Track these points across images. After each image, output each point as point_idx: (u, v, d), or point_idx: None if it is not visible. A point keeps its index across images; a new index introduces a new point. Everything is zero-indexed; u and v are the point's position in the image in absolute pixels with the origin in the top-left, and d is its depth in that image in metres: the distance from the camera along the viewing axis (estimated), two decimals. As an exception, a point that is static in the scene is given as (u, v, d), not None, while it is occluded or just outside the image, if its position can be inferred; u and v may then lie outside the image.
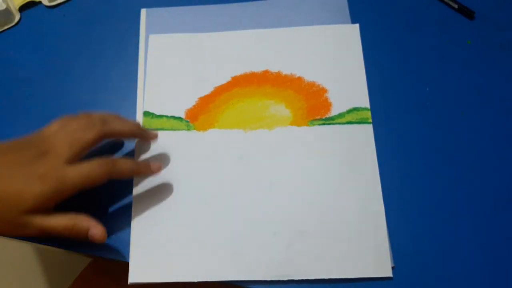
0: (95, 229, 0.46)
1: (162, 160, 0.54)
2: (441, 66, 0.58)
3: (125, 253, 0.50)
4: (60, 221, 0.45)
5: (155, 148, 0.55)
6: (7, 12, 0.63)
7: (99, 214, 0.52)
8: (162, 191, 0.53)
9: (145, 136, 0.54)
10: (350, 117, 0.55)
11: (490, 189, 0.51)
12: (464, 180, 0.52)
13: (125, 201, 0.53)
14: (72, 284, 0.70)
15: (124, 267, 0.50)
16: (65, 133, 0.47)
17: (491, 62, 0.58)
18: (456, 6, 0.61)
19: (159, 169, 0.52)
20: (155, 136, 0.54)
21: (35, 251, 1.29)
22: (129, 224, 0.51)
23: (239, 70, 0.59)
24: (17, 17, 0.65)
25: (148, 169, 0.51)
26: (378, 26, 0.61)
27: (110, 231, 0.51)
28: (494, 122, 0.55)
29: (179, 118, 0.56)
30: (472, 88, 0.57)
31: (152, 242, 0.50)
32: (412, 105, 0.56)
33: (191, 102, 0.57)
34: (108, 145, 0.55)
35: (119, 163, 0.48)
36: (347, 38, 0.60)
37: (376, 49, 0.60)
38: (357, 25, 0.61)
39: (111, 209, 0.53)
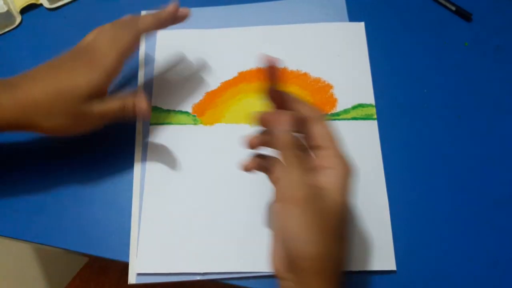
0: (139, 103, 0.49)
1: (170, 154, 0.54)
2: (439, 68, 0.59)
3: (123, 252, 0.50)
4: (114, 103, 0.49)
5: (163, 141, 0.55)
6: (8, 14, 0.63)
7: (99, 215, 0.52)
8: (170, 184, 0.53)
9: (178, 18, 0.53)
10: (355, 113, 0.56)
11: (489, 186, 0.52)
12: (465, 176, 0.53)
13: (124, 202, 0.53)
14: (69, 283, 0.68)
15: (121, 267, 0.50)
16: (105, 36, 0.50)
17: (488, 63, 0.59)
18: (453, 8, 0.62)
19: (175, 8, 0.52)
20: (187, 12, 0.54)
21: (33, 251, 1.28)
22: (128, 224, 0.51)
23: (246, 66, 0.59)
24: (18, 19, 0.65)
25: (167, 14, 0.52)
26: (376, 28, 0.62)
27: (109, 231, 0.51)
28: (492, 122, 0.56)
29: (186, 113, 0.56)
30: (470, 89, 0.58)
31: (159, 234, 0.50)
32: (410, 105, 0.57)
33: (198, 97, 0.57)
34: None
35: (141, 20, 0.51)
36: (353, 35, 0.61)
37: (373, 50, 0.60)
38: (362, 23, 0.62)
39: (110, 210, 0.52)
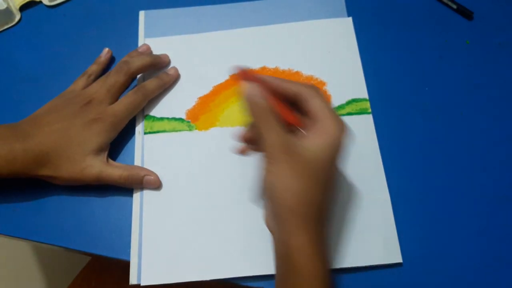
0: (150, 176, 0.52)
1: (167, 162, 0.54)
2: (440, 66, 0.59)
3: (124, 251, 0.50)
4: (116, 171, 0.51)
5: (159, 150, 0.55)
6: (8, 11, 0.64)
7: (99, 213, 0.53)
8: (170, 193, 0.53)
9: (161, 62, 0.59)
10: (349, 108, 0.56)
11: (491, 180, 0.52)
12: (467, 168, 0.53)
13: (125, 200, 0.53)
14: (71, 283, 0.70)
15: (123, 266, 0.50)
16: (100, 85, 0.54)
17: (490, 62, 0.59)
18: (455, 6, 0.61)
19: (176, 72, 0.59)
20: (167, 58, 0.60)
21: (34, 250, 1.29)
22: (129, 223, 0.51)
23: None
24: (17, 16, 0.65)
25: (170, 77, 0.58)
26: (377, 26, 0.62)
27: (109, 229, 0.52)
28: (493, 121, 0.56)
29: (180, 119, 0.56)
30: (471, 88, 0.57)
31: (161, 243, 0.50)
32: (412, 104, 0.57)
33: (191, 102, 0.57)
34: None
35: (148, 85, 0.56)
36: (341, 31, 0.61)
37: (375, 49, 0.60)
38: (350, 18, 0.61)
39: (111, 209, 0.53)
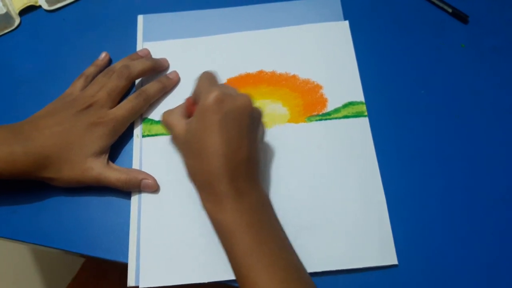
0: (148, 179, 0.52)
1: (165, 165, 0.54)
2: (436, 69, 0.59)
3: (122, 253, 0.51)
4: (114, 174, 0.51)
5: (157, 153, 0.55)
6: (7, 16, 0.64)
7: (98, 216, 0.53)
8: (168, 195, 0.53)
9: (161, 66, 0.60)
10: (346, 111, 0.56)
11: (486, 182, 0.52)
12: (462, 170, 0.53)
13: (123, 203, 0.53)
14: (69, 285, 0.70)
15: (120, 269, 0.50)
16: (99, 86, 0.55)
17: (485, 65, 0.59)
18: (450, 10, 0.62)
19: (177, 76, 0.59)
20: (166, 62, 0.61)
21: (32, 252, 1.30)
22: (127, 225, 0.52)
23: (234, 72, 0.59)
24: (17, 21, 0.65)
25: (171, 81, 0.59)
26: (374, 30, 0.62)
27: (107, 232, 0.52)
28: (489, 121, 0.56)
29: None
30: (466, 91, 0.58)
31: (159, 246, 0.50)
32: (408, 107, 0.57)
33: None
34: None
35: (149, 89, 0.56)
36: (338, 34, 0.61)
37: (371, 52, 0.60)
38: (346, 22, 0.62)
39: (109, 211, 0.53)
